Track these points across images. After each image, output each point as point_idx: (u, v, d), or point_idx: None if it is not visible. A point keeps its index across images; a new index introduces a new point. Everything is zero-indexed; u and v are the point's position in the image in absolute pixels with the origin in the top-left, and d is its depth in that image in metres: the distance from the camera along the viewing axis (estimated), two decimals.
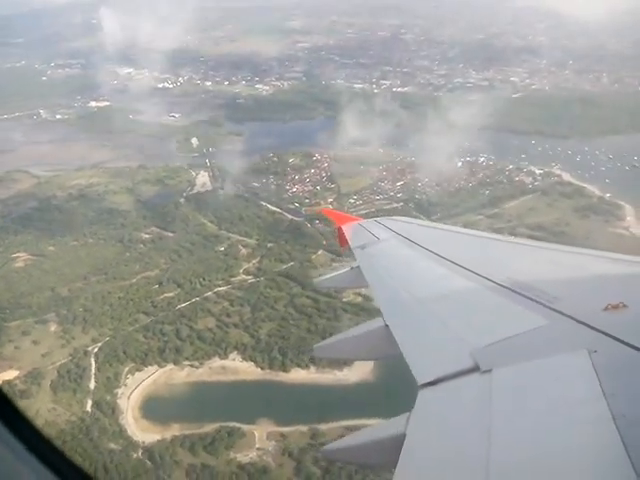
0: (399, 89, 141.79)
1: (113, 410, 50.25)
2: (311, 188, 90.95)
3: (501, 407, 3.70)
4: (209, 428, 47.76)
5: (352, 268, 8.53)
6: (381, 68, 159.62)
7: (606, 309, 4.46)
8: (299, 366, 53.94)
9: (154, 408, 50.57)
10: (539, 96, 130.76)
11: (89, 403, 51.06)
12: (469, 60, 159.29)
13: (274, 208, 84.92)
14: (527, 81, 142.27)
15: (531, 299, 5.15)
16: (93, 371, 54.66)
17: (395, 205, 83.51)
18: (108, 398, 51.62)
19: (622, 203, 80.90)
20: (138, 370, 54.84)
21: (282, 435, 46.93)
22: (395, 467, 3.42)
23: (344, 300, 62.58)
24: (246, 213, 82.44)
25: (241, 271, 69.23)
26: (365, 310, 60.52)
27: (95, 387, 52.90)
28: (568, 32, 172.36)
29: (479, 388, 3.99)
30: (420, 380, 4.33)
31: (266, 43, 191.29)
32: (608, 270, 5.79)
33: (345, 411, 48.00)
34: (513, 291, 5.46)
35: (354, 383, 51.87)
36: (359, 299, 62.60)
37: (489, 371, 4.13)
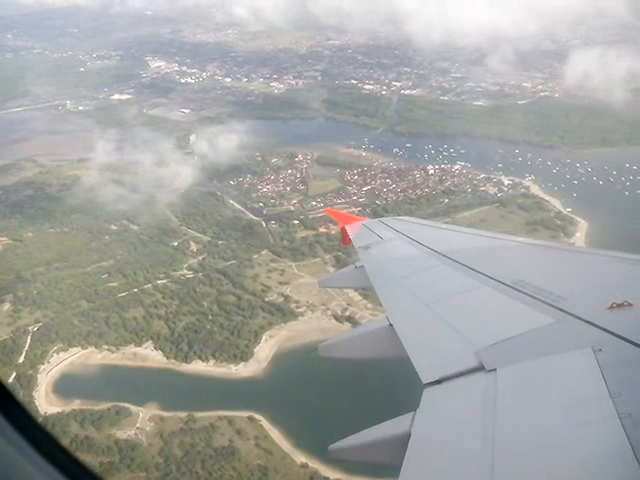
0: (407, 91, 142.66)
1: (30, 383, 56.96)
2: (281, 189, 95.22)
3: (506, 406, 3.71)
4: (103, 406, 53.54)
5: (356, 268, 8.67)
6: (399, 69, 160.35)
7: (611, 308, 4.50)
8: (200, 358, 58.99)
9: (65, 384, 56.96)
10: (544, 104, 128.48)
11: (13, 375, 57.99)
12: (490, 63, 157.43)
13: (239, 206, 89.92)
14: (539, 87, 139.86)
15: (536, 298, 5.19)
16: (26, 348, 61.58)
17: (353, 209, 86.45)
18: (30, 373, 58.34)
19: (578, 219, 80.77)
20: (63, 350, 61.37)
21: (162, 419, 52.17)
22: (401, 466, 3.48)
23: (266, 299, 66.98)
24: (210, 210, 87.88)
25: (184, 266, 74.66)
26: (281, 310, 65.14)
27: (22, 362, 59.70)
28: (599, 36, 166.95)
29: (484, 387, 4.01)
30: (425, 379, 4.37)
31: (299, 39, 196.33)
32: (613, 269, 5.89)
33: (224, 402, 52.93)
34: (518, 290, 5.50)
35: (243, 378, 56.60)
36: (281, 299, 67.00)
37: (494, 370, 4.16)
